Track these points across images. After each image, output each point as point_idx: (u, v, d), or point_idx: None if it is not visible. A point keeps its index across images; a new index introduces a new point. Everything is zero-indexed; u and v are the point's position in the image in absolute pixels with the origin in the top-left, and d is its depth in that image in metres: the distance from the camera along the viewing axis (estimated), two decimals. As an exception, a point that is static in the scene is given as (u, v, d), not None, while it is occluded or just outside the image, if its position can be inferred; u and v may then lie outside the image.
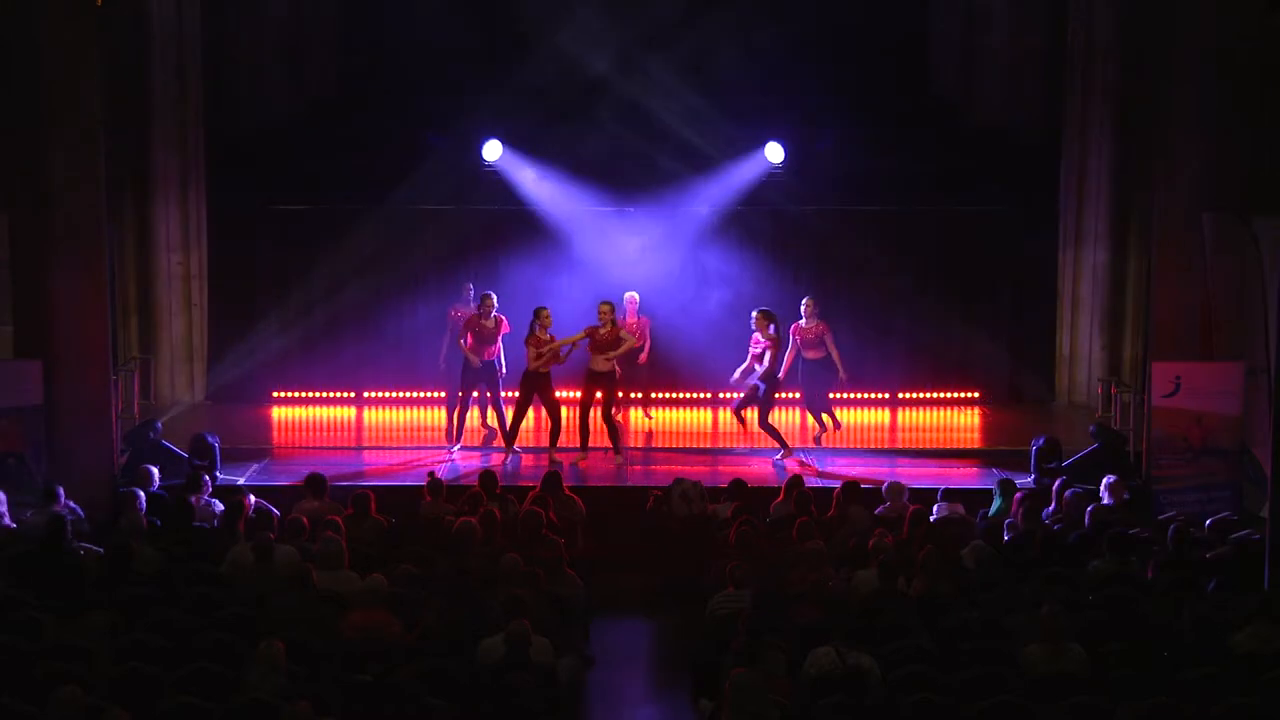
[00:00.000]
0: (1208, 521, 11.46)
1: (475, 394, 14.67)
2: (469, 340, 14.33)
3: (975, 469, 14.29)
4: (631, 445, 14.45)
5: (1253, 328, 12.48)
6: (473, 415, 15.05)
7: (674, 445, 14.17)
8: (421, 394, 17.18)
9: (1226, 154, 13.08)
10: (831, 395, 14.86)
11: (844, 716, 7.61)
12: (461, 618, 8.92)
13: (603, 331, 14.05)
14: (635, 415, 16.20)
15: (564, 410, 14.40)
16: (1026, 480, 13.04)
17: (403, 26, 17.11)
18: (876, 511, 11.55)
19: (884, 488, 11.89)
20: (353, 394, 17.39)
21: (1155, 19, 14.20)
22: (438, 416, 16.25)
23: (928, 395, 17.49)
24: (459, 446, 14.65)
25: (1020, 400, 17.53)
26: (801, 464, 14.14)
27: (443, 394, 15.63)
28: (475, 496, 11.43)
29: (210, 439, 13.50)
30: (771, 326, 14.14)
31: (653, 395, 16.47)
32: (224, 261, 17.39)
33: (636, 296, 15.87)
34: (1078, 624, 8.66)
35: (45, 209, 12.69)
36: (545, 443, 14.36)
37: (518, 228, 17.34)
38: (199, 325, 17.48)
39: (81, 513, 11.26)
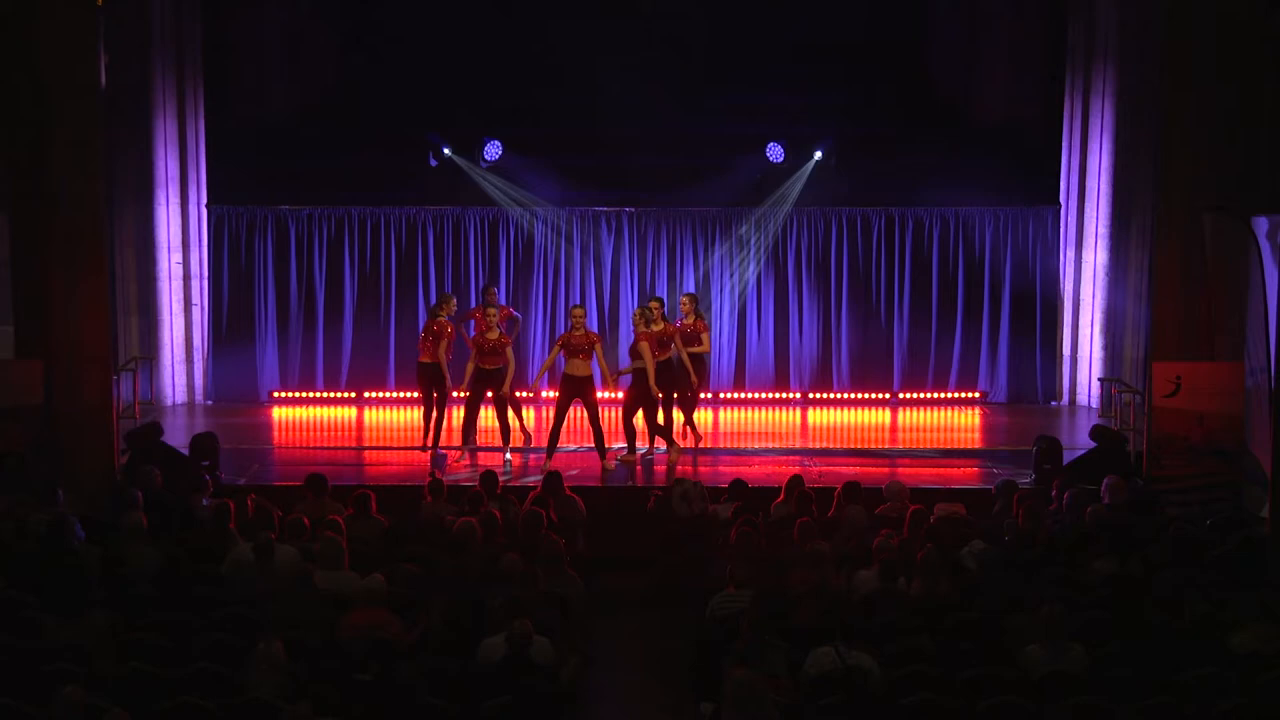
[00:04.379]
0: (1208, 521, 11.45)
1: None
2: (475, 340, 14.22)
3: (975, 469, 14.29)
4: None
5: (1253, 328, 12.46)
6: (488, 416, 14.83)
7: (673, 445, 14.16)
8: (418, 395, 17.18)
9: (1226, 154, 13.09)
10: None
11: (844, 716, 7.60)
12: (461, 618, 8.91)
13: (576, 334, 13.87)
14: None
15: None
16: (1026, 480, 13.03)
17: (403, 27, 17.12)
18: (877, 511, 11.53)
19: (884, 488, 11.87)
20: (353, 394, 17.40)
21: (1155, 19, 14.20)
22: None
23: (928, 395, 17.52)
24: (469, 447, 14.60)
25: (1020, 400, 17.55)
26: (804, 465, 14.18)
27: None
28: (476, 497, 11.42)
29: (211, 439, 13.48)
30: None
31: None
32: (224, 261, 17.41)
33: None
34: (1078, 624, 8.65)
35: (45, 209, 12.69)
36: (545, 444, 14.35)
37: (516, 228, 17.34)
38: (199, 325, 17.50)
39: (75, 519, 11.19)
